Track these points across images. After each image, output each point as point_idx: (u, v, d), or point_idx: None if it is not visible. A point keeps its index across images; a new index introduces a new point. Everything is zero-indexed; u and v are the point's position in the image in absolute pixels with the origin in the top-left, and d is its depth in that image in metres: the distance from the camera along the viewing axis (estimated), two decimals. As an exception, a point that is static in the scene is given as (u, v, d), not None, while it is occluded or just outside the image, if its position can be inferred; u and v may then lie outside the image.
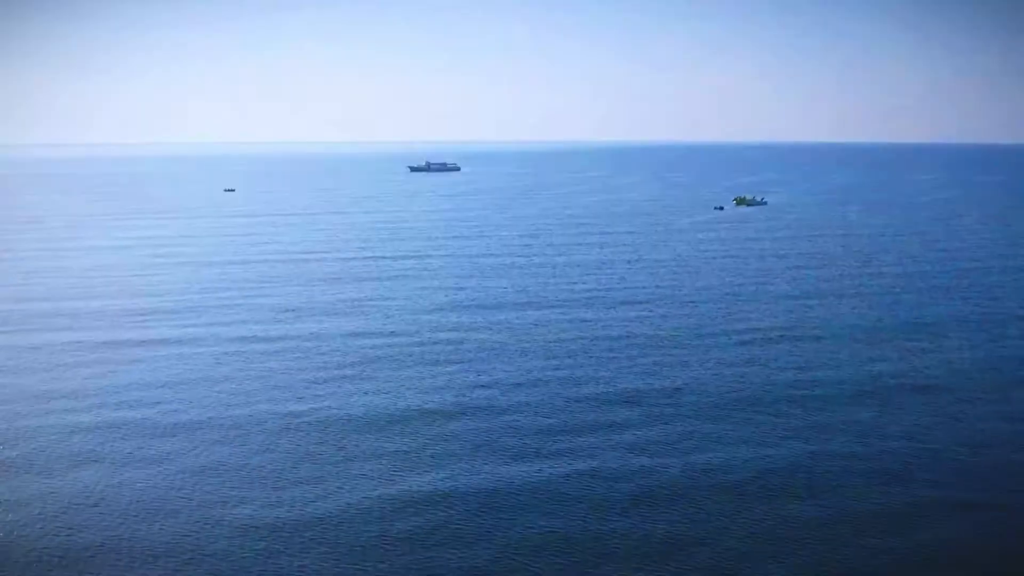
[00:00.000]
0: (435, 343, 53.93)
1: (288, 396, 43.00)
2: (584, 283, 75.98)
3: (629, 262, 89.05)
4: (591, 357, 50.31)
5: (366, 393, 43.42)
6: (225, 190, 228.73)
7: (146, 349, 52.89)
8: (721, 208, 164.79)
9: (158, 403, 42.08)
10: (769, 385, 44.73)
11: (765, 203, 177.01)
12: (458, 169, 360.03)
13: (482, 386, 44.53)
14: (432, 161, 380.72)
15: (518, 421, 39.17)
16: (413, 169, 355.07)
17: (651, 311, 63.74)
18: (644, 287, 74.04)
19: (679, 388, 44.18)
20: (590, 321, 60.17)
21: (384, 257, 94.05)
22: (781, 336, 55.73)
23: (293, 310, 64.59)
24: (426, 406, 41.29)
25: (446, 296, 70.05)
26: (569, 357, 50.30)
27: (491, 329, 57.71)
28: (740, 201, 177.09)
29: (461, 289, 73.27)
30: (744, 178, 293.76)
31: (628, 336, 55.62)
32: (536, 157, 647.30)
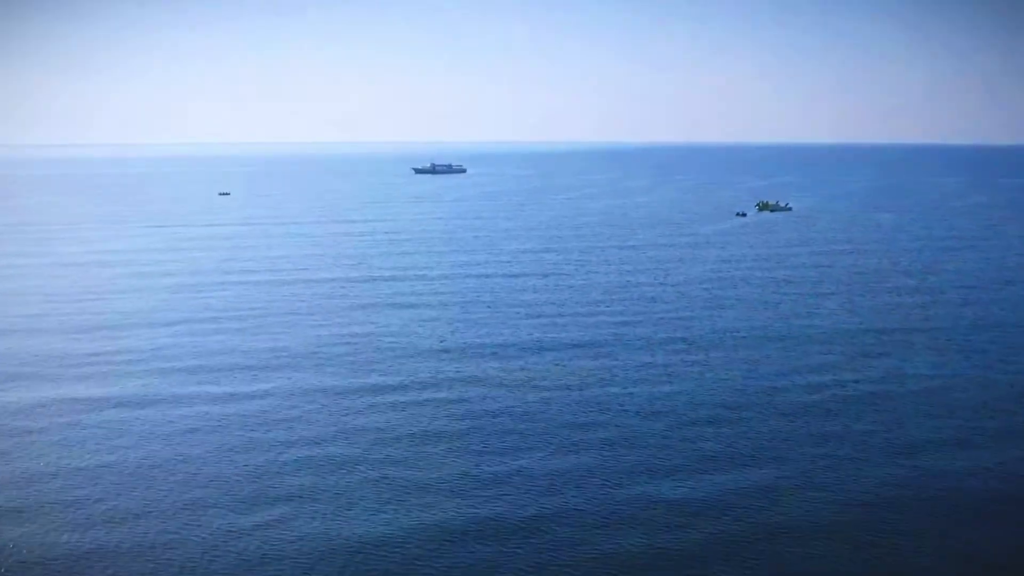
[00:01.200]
0: (433, 405, 43.57)
1: (240, 498, 32.67)
2: (611, 311, 65.61)
3: (658, 283, 78.65)
4: (630, 425, 39.98)
5: (339, 502, 33.07)
6: (220, 194, 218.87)
7: (77, 413, 42.61)
8: (743, 215, 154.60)
9: (71, 506, 31.79)
10: (863, 474, 34.36)
11: (790, 209, 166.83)
12: (464, 171, 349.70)
13: (494, 483, 34.15)
14: (437, 163, 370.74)
15: (548, 545, 28.83)
16: (418, 171, 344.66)
17: (694, 353, 53.33)
18: (680, 318, 63.62)
19: (748, 486, 33.80)
20: (624, 370, 49.78)
21: (382, 278, 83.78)
22: (859, 395, 45.28)
23: (267, 353, 54.31)
24: (418, 524, 30.93)
25: (450, 330, 59.75)
26: (603, 425, 39.98)
27: (503, 381, 47.39)
28: (763, 207, 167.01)
29: (467, 319, 62.96)
30: (757, 181, 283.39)
31: (673, 395, 45.23)
32: (538, 158, 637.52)
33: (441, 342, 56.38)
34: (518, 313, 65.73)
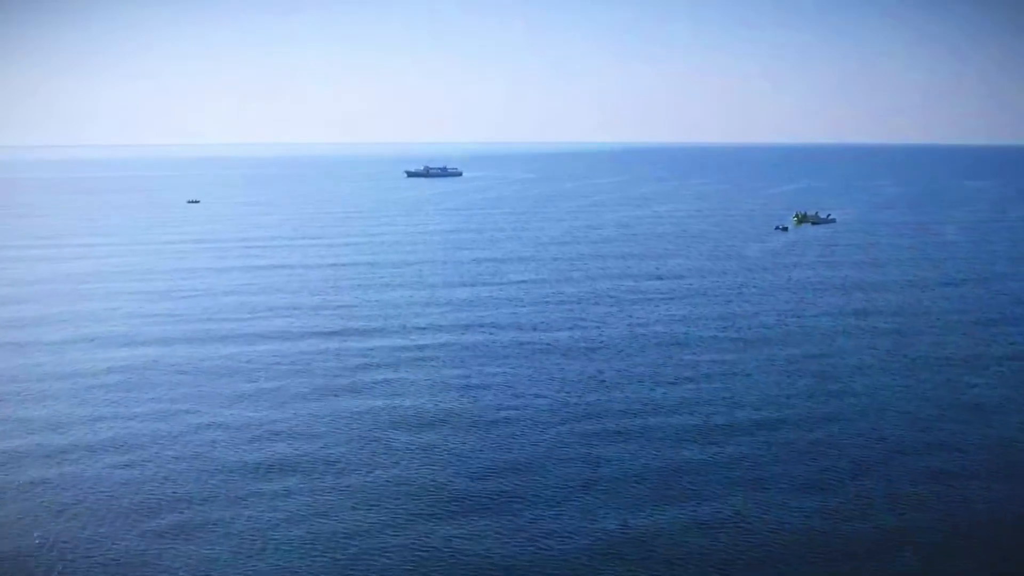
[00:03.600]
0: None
1: None
2: (663, 378, 43.95)
3: (727, 342, 57.04)
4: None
5: None
6: (188, 202, 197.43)
7: None
8: (785, 228, 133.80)
9: None
10: None
11: (833, 220, 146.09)
12: (460, 174, 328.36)
13: None
14: (432, 165, 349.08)
15: None
16: (411, 174, 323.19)
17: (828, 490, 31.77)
18: (764, 393, 41.98)
19: None
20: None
21: (347, 347, 62.29)
22: None
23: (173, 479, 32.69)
24: None
25: (440, 414, 38.13)
26: None
27: (521, 528, 25.90)
28: (802, 219, 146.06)
29: (464, 394, 41.34)
30: (778, 186, 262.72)
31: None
32: (538, 159, 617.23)
33: (425, 456, 34.65)
34: (541, 417, 43.99)
